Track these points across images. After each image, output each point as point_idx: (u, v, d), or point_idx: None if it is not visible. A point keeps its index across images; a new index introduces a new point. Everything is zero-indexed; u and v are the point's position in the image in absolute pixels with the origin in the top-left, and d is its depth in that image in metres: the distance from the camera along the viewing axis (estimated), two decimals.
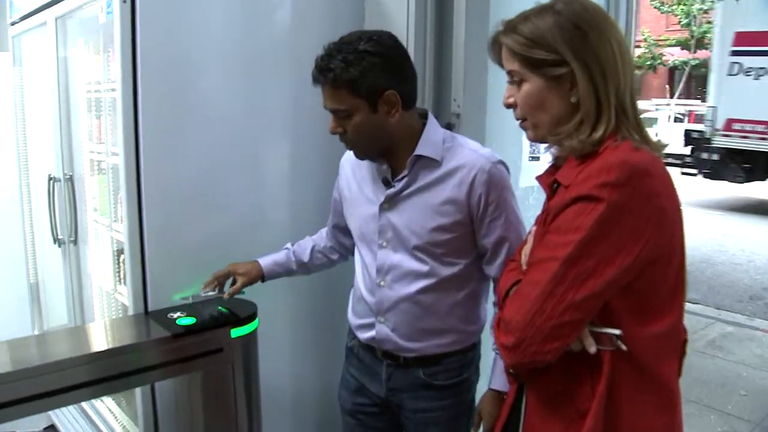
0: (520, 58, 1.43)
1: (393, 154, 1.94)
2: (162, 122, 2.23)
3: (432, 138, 1.92)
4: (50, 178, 3.00)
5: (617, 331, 1.32)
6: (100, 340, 2.29)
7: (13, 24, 3.48)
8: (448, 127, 2.51)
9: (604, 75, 1.38)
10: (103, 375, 1.97)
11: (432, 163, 1.90)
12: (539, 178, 1.57)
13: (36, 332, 3.65)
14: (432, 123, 1.95)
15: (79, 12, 2.67)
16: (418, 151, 1.89)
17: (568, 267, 1.29)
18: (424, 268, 1.93)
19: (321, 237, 2.36)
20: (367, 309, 2.04)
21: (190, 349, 2.10)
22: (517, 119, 1.51)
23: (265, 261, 2.27)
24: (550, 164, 1.56)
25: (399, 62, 1.87)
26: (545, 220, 1.43)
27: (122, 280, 2.54)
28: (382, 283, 1.98)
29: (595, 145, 1.36)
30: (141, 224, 2.23)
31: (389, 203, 1.94)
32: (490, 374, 1.99)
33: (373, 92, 1.80)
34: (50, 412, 3.15)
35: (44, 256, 3.60)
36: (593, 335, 1.33)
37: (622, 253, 1.29)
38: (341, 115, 1.85)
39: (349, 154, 2.06)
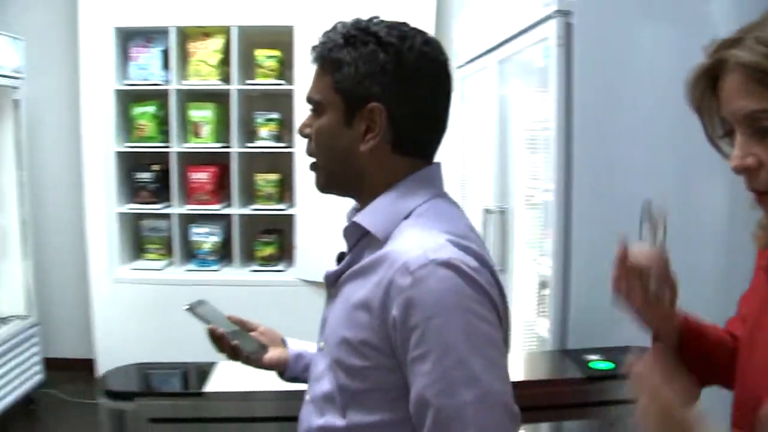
0: None
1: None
2: (594, 161, 2.24)
3: (391, 202, 1.21)
4: (485, 210, 3.18)
5: None
6: (516, 370, 2.37)
7: (459, 67, 3.79)
8: None
9: None
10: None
11: (375, 240, 1.19)
12: None
13: None
14: (415, 180, 1.23)
15: (519, 56, 2.81)
16: (359, 217, 1.22)
17: None
18: (336, 398, 1.20)
19: None
20: None
21: (599, 395, 2.05)
22: (758, 191, 0.96)
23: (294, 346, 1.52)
24: None
25: (416, 77, 1.19)
26: None
27: (542, 313, 2.61)
28: (307, 397, 1.32)
29: None
30: (568, 262, 2.27)
31: (333, 288, 1.28)
32: None
33: (356, 94, 1.19)
34: None
35: None
36: None
37: None
38: (313, 109, 1.26)
39: None
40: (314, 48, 1.23)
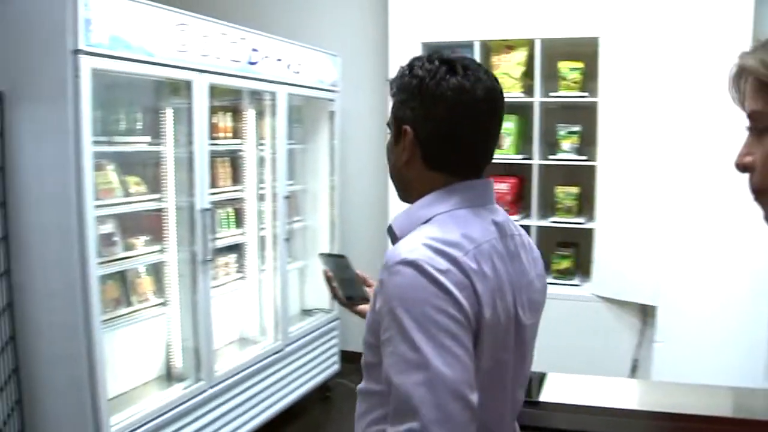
0: None
1: None
2: None
3: (417, 209, 1.41)
4: None
5: None
6: None
7: None
8: None
9: None
10: None
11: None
12: None
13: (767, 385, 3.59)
14: (445, 192, 1.40)
15: None
16: (393, 220, 1.45)
17: None
18: (364, 367, 1.44)
19: None
20: None
21: None
22: (754, 191, 0.97)
23: None
24: None
25: (434, 102, 1.36)
26: None
27: None
28: None
29: None
30: None
31: None
32: None
33: (398, 117, 1.43)
34: None
35: None
36: None
37: None
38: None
39: None
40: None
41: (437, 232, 1.30)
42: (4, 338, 2.86)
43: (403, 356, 1.19)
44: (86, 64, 2.69)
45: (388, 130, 1.49)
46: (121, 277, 3.36)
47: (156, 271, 3.54)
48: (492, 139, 1.42)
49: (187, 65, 3.24)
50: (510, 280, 1.34)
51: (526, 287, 1.40)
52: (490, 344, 1.29)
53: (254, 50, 3.70)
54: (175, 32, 3.12)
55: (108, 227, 3.21)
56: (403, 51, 4.66)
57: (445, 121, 1.36)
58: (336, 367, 4.94)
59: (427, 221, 1.35)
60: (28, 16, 2.82)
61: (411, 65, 1.41)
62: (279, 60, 3.99)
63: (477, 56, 4.48)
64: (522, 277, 1.39)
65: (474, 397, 1.18)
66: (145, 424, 3.11)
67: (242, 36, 3.60)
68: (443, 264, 1.23)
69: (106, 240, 3.17)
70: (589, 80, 4.42)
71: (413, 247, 1.26)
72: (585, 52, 4.35)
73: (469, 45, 4.52)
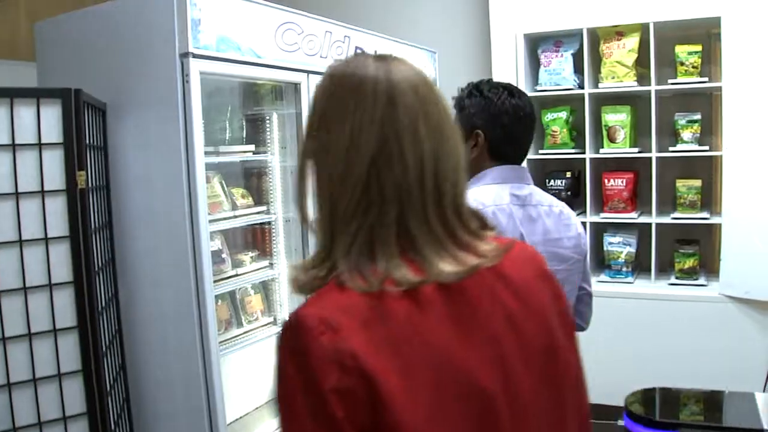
0: None
1: None
2: None
3: (473, 181, 2.01)
4: None
5: None
6: None
7: None
8: None
9: None
10: None
11: None
12: None
13: None
14: (489, 171, 2.01)
15: None
16: None
17: None
18: None
19: None
20: None
21: None
22: None
23: None
24: None
25: (499, 114, 2.00)
26: None
27: None
28: None
29: None
30: None
31: None
32: None
33: (467, 123, 2.01)
34: None
35: None
36: None
37: None
38: None
39: None
40: None
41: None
42: (116, 368, 2.67)
43: None
44: (195, 67, 2.49)
45: None
46: (230, 296, 3.16)
47: (264, 287, 3.33)
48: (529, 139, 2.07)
49: (296, 66, 3.01)
50: (520, 232, 1.88)
51: (546, 242, 1.90)
52: None
53: (358, 49, 3.47)
54: (282, 31, 2.90)
55: (216, 243, 3.01)
56: (506, 44, 4.38)
57: (506, 127, 1.97)
58: None
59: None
60: (132, 22, 2.64)
61: (479, 89, 2.01)
62: None
63: (585, 45, 4.16)
64: (536, 234, 1.90)
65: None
66: None
67: (346, 34, 3.36)
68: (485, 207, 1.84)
69: (215, 257, 2.96)
70: (705, 65, 4.05)
71: None
72: (701, 34, 4.01)
73: (575, 34, 4.21)
